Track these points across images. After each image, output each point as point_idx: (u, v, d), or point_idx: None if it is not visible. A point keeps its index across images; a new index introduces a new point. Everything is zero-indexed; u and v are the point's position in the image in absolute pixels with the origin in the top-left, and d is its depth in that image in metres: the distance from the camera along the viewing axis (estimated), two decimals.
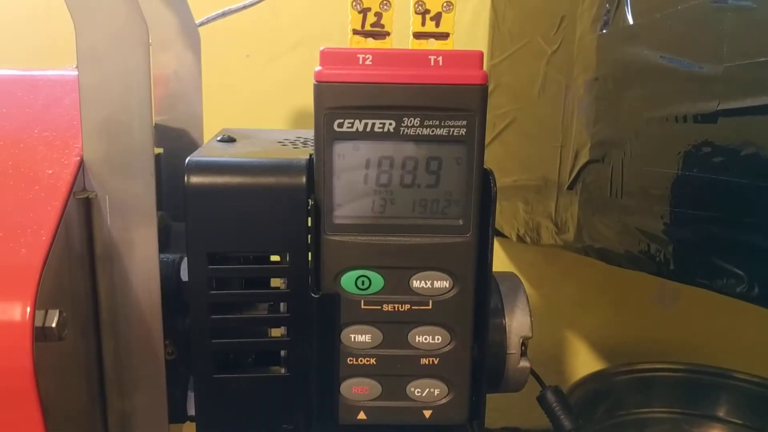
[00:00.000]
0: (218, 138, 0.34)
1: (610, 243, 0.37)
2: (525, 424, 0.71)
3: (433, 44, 0.28)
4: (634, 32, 0.35)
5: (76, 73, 0.29)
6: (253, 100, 0.65)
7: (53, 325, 0.23)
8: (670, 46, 0.32)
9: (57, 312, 0.23)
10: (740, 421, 0.62)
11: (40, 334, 0.23)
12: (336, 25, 0.43)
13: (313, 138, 0.35)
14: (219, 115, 0.46)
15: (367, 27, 0.28)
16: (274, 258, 0.30)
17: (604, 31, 0.37)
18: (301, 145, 0.34)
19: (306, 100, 0.70)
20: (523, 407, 0.59)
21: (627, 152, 0.35)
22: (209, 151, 0.31)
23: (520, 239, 0.53)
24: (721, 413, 0.62)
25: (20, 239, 0.24)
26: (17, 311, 0.22)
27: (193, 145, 0.40)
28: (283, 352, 0.31)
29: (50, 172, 0.26)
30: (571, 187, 0.41)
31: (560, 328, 0.71)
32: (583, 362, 0.72)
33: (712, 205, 0.29)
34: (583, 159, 0.39)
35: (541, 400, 0.42)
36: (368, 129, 0.28)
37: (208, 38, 0.45)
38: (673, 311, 0.70)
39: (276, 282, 0.31)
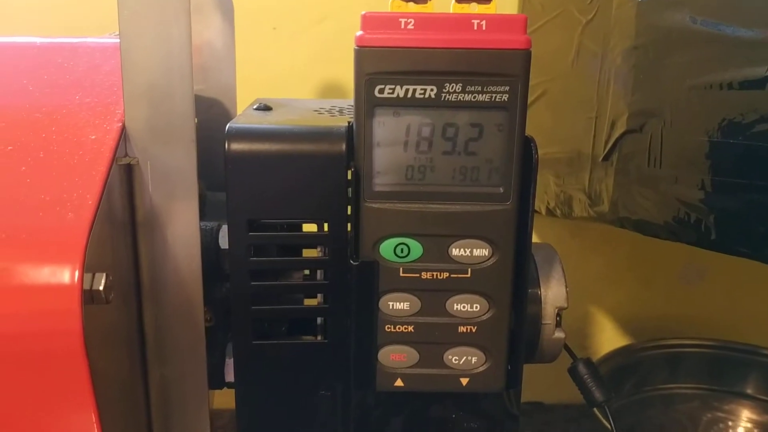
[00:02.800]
0: (254, 107, 0.34)
1: (648, 214, 0.36)
2: (548, 399, 0.72)
3: (475, 8, 0.27)
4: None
5: (115, 40, 0.29)
6: (280, 72, 0.65)
7: (100, 288, 0.23)
8: (715, 12, 0.31)
9: (104, 275, 0.23)
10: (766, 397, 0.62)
11: (88, 296, 0.23)
12: None
13: (348, 107, 0.35)
14: (247, 87, 0.46)
15: None
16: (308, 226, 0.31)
17: None
18: (337, 113, 0.34)
19: (333, 72, 0.69)
20: (550, 381, 0.59)
21: (667, 121, 0.34)
22: (247, 118, 0.31)
23: (550, 212, 0.53)
24: (749, 390, 0.62)
25: (66, 203, 0.24)
26: (66, 274, 0.22)
27: (226, 116, 0.40)
28: (319, 320, 0.31)
29: (93, 137, 0.26)
30: (606, 158, 0.41)
31: (586, 303, 0.71)
32: (609, 337, 0.72)
33: (755, 172, 0.28)
34: (620, 129, 0.39)
35: (573, 371, 0.41)
36: (409, 95, 0.27)
37: (236, 11, 0.44)
38: (699, 288, 0.70)
39: (309, 251, 0.31)
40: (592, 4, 0.45)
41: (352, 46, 0.27)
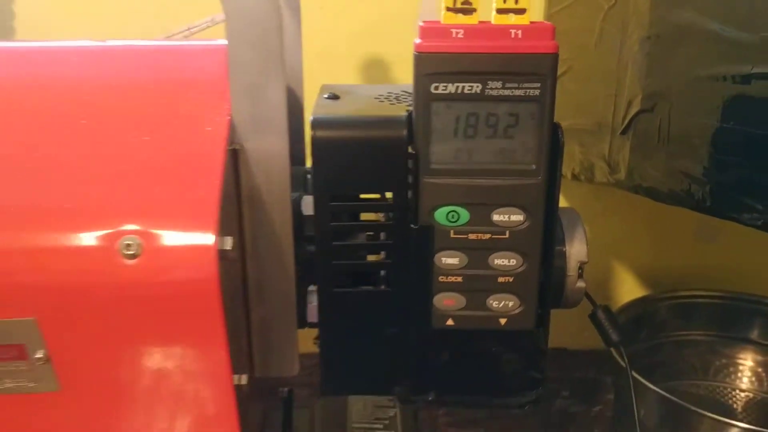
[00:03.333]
0: (325, 95, 0.40)
1: (657, 182, 0.43)
2: (571, 346, 0.79)
3: (512, 18, 0.34)
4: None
5: (216, 43, 0.35)
6: (326, 50, 0.71)
7: (229, 248, 0.31)
8: (715, 13, 0.37)
9: (231, 238, 0.31)
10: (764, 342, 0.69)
11: (221, 255, 0.30)
12: None
13: (401, 93, 0.41)
14: None
15: (458, 5, 0.33)
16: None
17: None
18: (395, 100, 0.40)
19: (375, 50, 0.75)
20: (573, 330, 0.66)
21: (674, 104, 0.41)
22: (323, 108, 0.37)
23: (575, 177, 0.59)
24: (753, 336, 0.69)
25: (199, 180, 0.31)
26: (207, 237, 0.29)
27: (296, 100, 0.47)
28: (383, 272, 0.38)
29: (209, 129, 0.33)
30: (623, 132, 0.47)
31: (607, 258, 0.78)
32: (628, 290, 0.79)
33: (743, 152, 0.35)
34: (635, 108, 0.45)
35: (593, 317, 0.49)
36: (459, 91, 0.34)
37: None
38: (710, 245, 0.76)
39: (370, 216, 0.38)
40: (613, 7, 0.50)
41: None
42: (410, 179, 0.35)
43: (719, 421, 0.55)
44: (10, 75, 0.36)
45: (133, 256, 0.30)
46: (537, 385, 0.39)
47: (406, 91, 0.42)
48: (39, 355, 0.32)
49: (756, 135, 0.33)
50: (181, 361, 0.32)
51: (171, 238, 0.30)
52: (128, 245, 0.30)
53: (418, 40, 0.34)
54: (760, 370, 0.69)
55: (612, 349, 0.54)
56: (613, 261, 0.78)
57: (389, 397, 0.61)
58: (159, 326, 0.32)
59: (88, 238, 0.30)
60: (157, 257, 0.30)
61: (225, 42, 0.34)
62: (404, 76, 0.52)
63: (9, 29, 0.69)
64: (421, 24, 0.34)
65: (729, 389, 0.69)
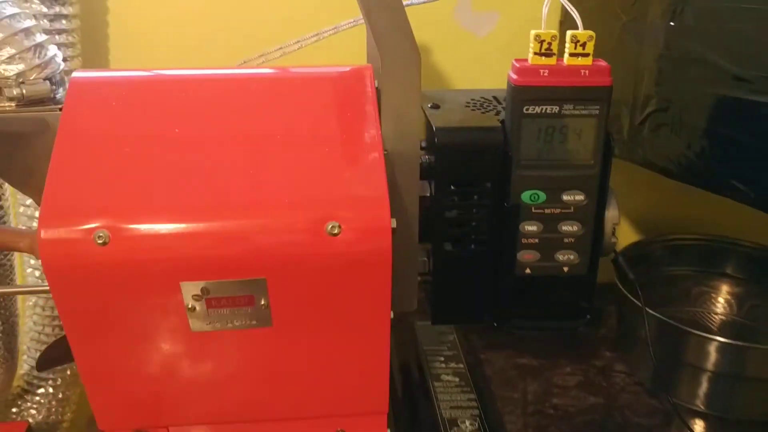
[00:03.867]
0: (429, 105, 0.54)
1: (669, 163, 0.58)
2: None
3: (580, 60, 0.48)
4: (694, 30, 0.54)
5: (360, 67, 0.49)
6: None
7: (395, 226, 0.45)
8: (717, 48, 0.51)
9: (395, 219, 0.45)
10: (742, 276, 0.86)
11: (392, 232, 0.45)
12: None
13: (479, 98, 0.55)
14: None
15: (542, 51, 0.48)
16: None
17: (672, 23, 0.57)
18: (482, 108, 0.54)
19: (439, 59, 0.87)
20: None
21: (684, 109, 0.55)
22: (438, 119, 0.51)
23: None
24: (729, 271, 0.86)
25: (372, 178, 0.45)
26: (386, 219, 0.44)
27: None
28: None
29: (368, 140, 0.47)
30: (641, 123, 0.62)
31: None
32: (626, 234, 0.95)
33: (739, 152, 0.50)
34: (651, 107, 0.60)
35: (615, 261, 0.65)
36: (542, 111, 0.48)
37: None
38: (695, 197, 0.92)
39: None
40: (633, 8, 0.64)
41: None
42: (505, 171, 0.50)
43: (703, 336, 0.72)
44: (219, 103, 0.49)
45: (335, 235, 0.44)
46: (586, 313, 0.55)
47: (484, 98, 0.56)
48: (263, 302, 0.46)
49: (751, 143, 0.48)
50: (358, 304, 0.47)
51: (361, 221, 0.44)
52: (332, 227, 0.44)
53: (514, 76, 0.48)
54: (730, 298, 0.87)
55: (618, 283, 0.70)
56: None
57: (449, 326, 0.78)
58: (346, 281, 0.46)
59: (305, 222, 0.44)
60: (352, 235, 0.44)
61: (366, 65, 0.48)
62: None
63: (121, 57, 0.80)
64: (516, 65, 0.48)
65: (707, 313, 0.86)
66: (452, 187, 0.50)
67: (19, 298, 0.84)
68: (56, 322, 0.86)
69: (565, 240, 0.52)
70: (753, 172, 0.51)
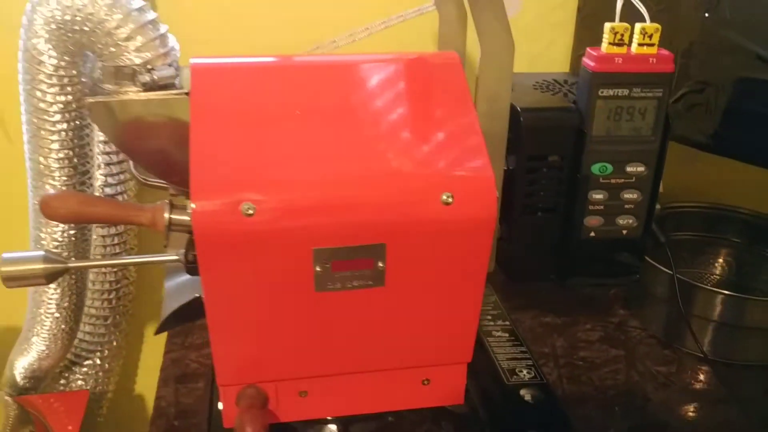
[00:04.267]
0: None
1: (701, 137, 0.66)
2: None
3: (646, 49, 0.55)
4: (729, 21, 0.62)
5: (447, 55, 0.55)
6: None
7: (499, 196, 0.52)
8: (751, 36, 0.60)
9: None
10: (739, 240, 0.96)
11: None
12: None
13: (542, 81, 0.62)
14: None
15: (615, 41, 0.55)
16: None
17: (707, 15, 0.64)
18: (549, 90, 0.61)
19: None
20: None
21: (719, 90, 0.64)
22: (516, 99, 0.58)
23: None
24: (728, 236, 0.96)
25: (477, 155, 0.52)
26: (492, 190, 0.50)
27: None
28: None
29: (467, 121, 0.54)
30: (675, 102, 0.70)
31: None
32: None
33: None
34: (685, 89, 0.68)
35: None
36: (614, 94, 0.55)
37: None
38: (697, 168, 1.01)
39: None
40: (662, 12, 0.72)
41: None
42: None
43: (710, 290, 0.81)
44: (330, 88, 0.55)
45: (448, 204, 0.51)
46: (637, 270, 0.63)
47: (546, 80, 0.63)
48: (380, 265, 0.52)
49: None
50: (461, 265, 0.54)
51: (471, 192, 0.51)
52: (447, 197, 0.50)
53: (591, 63, 0.55)
54: (730, 259, 0.97)
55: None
56: None
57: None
58: (454, 245, 0.53)
59: (423, 193, 0.50)
60: (463, 204, 0.51)
61: (450, 52, 0.54)
62: None
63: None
64: (593, 53, 0.55)
65: (707, 274, 0.96)
66: (532, 161, 0.57)
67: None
68: (104, 296, 0.90)
69: (626, 206, 0.59)
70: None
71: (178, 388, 0.81)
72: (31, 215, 0.69)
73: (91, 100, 0.52)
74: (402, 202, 0.50)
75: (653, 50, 0.55)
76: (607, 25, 0.54)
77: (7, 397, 0.83)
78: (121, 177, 0.70)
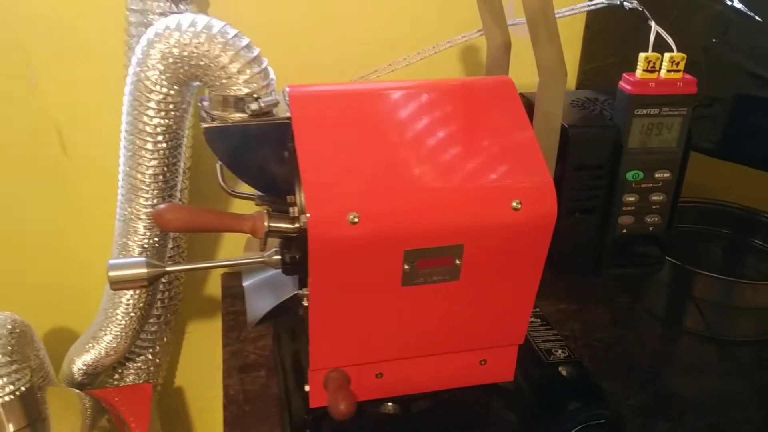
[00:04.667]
0: None
1: (707, 144, 0.77)
2: None
3: (673, 74, 0.65)
4: (735, 46, 0.73)
5: (499, 78, 0.64)
6: None
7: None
8: (755, 58, 0.70)
9: None
10: (729, 231, 1.08)
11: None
12: None
13: (576, 99, 0.72)
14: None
15: (648, 68, 0.64)
16: None
17: (715, 40, 0.75)
18: (586, 108, 0.71)
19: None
20: None
21: (725, 105, 0.74)
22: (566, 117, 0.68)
23: None
24: (720, 228, 1.08)
25: (538, 166, 0.61)
26: (552, 196, 0.60)
27: None
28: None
29: (526, 136, 0.63)
30: None
31: None
32: None
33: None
34: (696, 103, 0.78)
35: None
36: (647, 113, 0.65)
37: None
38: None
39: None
40: (674, 22, 0.82)
41: None
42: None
43: (708, 276, 0.93)
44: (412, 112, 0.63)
45: (517, 210, 0.60)
46: (662, 261, 0.73)
47: (579, 98, 0.73)
48: (457, 262, 0.61)
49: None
50: (524, 260, 0.63)
51: (536, 199, 0.60)
52: (516, 204, 0.60)
53: (628, 87, 0.65)
54: (721, 249, 1.09)
55: None
56: None
57: None
58: (519, 243, 0.62)
59: (496, 201, 0.60)
60: (529, 209, 0.60)
61: (504, 77, 0.64)
62: None
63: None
64: (630, 79, 0.65)
65: (703, 261, 1.08)
66: (578, 171, 0.67)
67: None
68: (159, 296, 0.97)
69: (653, 207, 0.70)
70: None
71: (242, 378, 0.89)
72: (118, 225, 0.77)
73: (206, 125, 0.60)
74: (479, 209, 0.60)
75: (679, 75, 0.65)
76: (642, 55, 0.64)
77: (77, 391, 0.90)
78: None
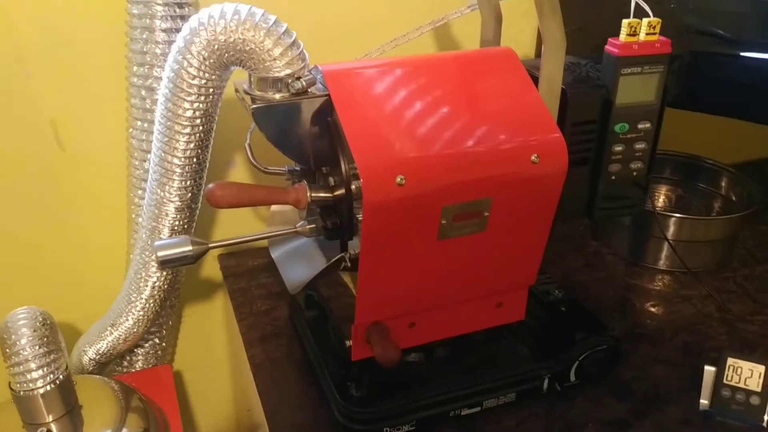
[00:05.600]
0: None
1: (674, 98, 0.88)
2: None
3: (651, 37, 0.75)
4: (691, 10, 0.83)
5: (499, 49, 0.72)
6: None
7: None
8: (709, 21, 0.81)
9: None
10: (675, 178, 1.21)
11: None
12: None
13: (569, 63, 0.81)
14: None
15: (631, 32, 0.74)
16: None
17: (672, 5, 0.85)
18: (575, 71, 0.80)
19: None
20: None
21: (688, 62, 0.85)
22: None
23: None
24: (665, 174, 1.21)
25: (549, 124, 0.69)
26: (564, 152, 0.68)
27: None
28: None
29: (533, 99, 0.71)
30: None
31: None
32: None
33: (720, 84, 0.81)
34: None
35: None
36: (631, 71, 0.75)
37: None
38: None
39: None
40: None
41: None
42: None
43: (665, 215, 1.05)
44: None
45: (536, 163, 0.68)
46: (645, 201, 0.84)
47: (571, 62, 0.82)
48: (486, 214, 0.69)
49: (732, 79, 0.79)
50: (540, 207, 0.72)
51: (551, 153, 0.69)
52: (534, 157, 0.68)
53: (615, 50, 0.74)
54: (669, 194, 1.22)
55: None
56: None
57: None
58: (537, 193, 0.70)
59: (519, 156, 0.68)
60: (545, 161, 0.69)
61: (506, 47, 0.72)
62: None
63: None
64: (616, 42, 0.74)
65: (656, 204, 1.21)
66: (574, 126, 0.76)
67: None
68: (173, 278, 1.00)
69: (637, 154, 0.80)
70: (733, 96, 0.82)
71: (265, 347, 0.95)
72: (147, 209, 0.80)
73: (255, 105, 0.64)
74: (505, 164, 0.68)
75: (656, 38, 0.75)
76: (625, 21, 0.73)
77: (100, 377, 0.92)
78: None
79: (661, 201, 1.22)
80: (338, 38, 0.99)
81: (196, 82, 0.67)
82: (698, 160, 1.20)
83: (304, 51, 0.66)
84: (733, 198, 1.16)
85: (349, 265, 0.72)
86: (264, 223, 1.10)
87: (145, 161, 0.89)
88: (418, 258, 0.70)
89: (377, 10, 1.02)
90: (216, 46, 0.64)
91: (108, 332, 0.94)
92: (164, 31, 0.83)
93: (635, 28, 0.74)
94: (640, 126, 0.78)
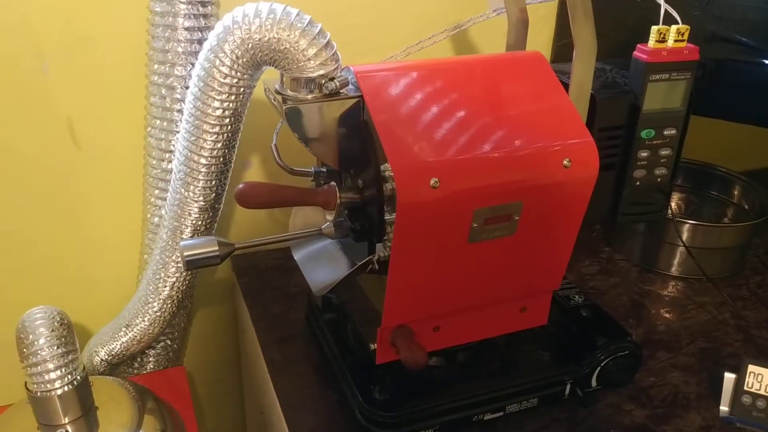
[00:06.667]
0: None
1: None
2: None
3: (680, 44, 0.75)
4: (715, 18, 0.84)
5: (528, 53, 0.72)
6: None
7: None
8: (734, 28, 0.81)
9: None
10: (687, 185, 1.22)
11: None
12: None
13: (600, 70, 0.81)
14: None
15: (659, 39, 0.74)
16: None
17: (697, 13, 0.86)
18: (601, 77, 0.80)
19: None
20: None
21: (713, 69, 0.85)
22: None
23: None
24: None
25: (580, 128, 0.69)
26: (595, 157, 0.68)
27: None
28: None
29: (564, 104, 0.71)
30: None
31: None
32: None
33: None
34: None
35: None
36: (659, 78, 0.75)
37: None
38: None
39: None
40: None
41: None
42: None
43: (680, 222, 1.05)
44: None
45: (567, 168, 0.68)
46: (667, 206, 0.84)
47: (596, 68, 0.82)
48: (516, 218, 0.69)
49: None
50: (569, 212, 0.71)
51: (582, 158, 0.68)
52: (566, 162, 0.68)
53: (643, 56, 0.74)
54: (680, 202, 1.22)
55: None
56: None
57: None
58: (567, 197, 0.70)
59: (551, 160, 0.67)
60: (577, 166, 0.68)
61: (535, 51, 0.72)
62: None
63: None
64: (644, 48, 0.74)
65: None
66: (601, 131, 0.76)
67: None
68: (192, 278, 0.99)
69: (662, 160, 0.80)
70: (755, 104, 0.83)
71: (282, 349, 0.94)
72: (170, 209, 0.79)
73: (288, 106, 0.64)
74: (537, 169, 0.67)
75: (684, 44, 0.75)
76: (654, 28, 0.73)
77: (114, 378, 0.91)
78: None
79: (673, 208, 1.22)
80: (358, 40, 0.98)
81: (227, 81, 0.67)
82: (710, 167, 1.20)
83: (338, 52, 0.65)
84: (745, 206, 1.17)
85: (376, 267, 0.71)
86: (276, 225, 1.10)
87: (163, 161, 0.88)
88: (448, 261, 0.69)
89: (396, 11, 1.01)
90: (250, 45, 0.63)
91: (123, 333, 0.93)
92: (187, 29, 0.82)
93: (664, 35, 0.74)
94: (665, 132, 0.78)
